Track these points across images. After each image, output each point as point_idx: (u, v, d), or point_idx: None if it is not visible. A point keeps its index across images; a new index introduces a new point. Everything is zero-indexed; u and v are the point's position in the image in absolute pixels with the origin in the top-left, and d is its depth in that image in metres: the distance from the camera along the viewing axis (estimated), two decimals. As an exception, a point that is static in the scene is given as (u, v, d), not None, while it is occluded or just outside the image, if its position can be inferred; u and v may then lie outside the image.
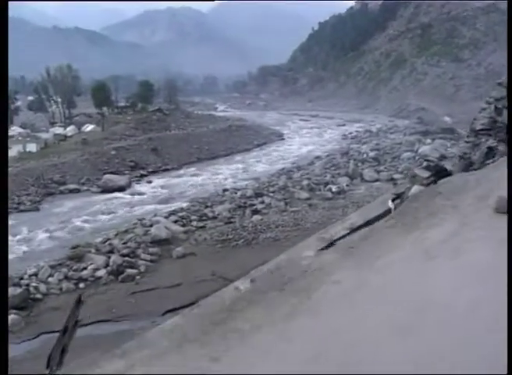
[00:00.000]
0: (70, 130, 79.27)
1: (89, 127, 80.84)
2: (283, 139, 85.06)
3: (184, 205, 40.70)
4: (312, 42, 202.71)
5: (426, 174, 12.48)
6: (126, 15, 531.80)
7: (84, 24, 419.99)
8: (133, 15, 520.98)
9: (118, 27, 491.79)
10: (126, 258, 28.50)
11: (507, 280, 5.49)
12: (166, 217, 36.02)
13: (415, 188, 12.26)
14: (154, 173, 60.38)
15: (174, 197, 46.83)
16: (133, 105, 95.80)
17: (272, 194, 41.31)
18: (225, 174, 57.12)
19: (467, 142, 14.75)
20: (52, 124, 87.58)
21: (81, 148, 64.95)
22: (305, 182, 44.70)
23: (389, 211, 10.95)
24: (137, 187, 53.32)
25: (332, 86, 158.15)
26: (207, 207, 38.73)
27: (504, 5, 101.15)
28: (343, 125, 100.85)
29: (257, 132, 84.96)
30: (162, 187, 52.80)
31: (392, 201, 13.04)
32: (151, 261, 28.97)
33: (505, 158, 11.04)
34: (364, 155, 57.62)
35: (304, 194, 40.97)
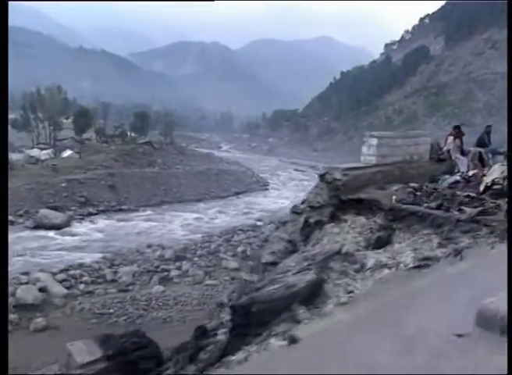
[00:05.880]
0: (45, 153, 74.43)
1: (67, 153, 76.02)
2: (266, 189, 79.13)
3: (92, 258, 35.02)
4: (331, 91, 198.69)
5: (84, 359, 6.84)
6: (156, 43, 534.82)
7: (112, 48, 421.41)
8: (164, 44, 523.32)
9: (146, 55, 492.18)
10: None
11: (507, 280, 4.91)
12: (55, 274, 30.30)
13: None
14: (104, 212, 54.89)
15: (101, 245, 41.20)
16: (122, 134, 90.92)
17: (196, 259, 35.40)
18: (177, 224, 51.44)
19: (232, 279, 9.09)
20: (37, 144, 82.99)
21: (49, 175, 60.27)
22: (242, 248, 38.76)
23: None
24: (75, 227, 47.86)
25: (340, 138, 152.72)
26: (112, 266, 32.92)
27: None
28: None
29: (239, 179, 78.89)
30: (101, 230, 47.25)
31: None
32: (-1, 333, 23.17)
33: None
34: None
35: (233, 264, 34.90)
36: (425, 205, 10.79)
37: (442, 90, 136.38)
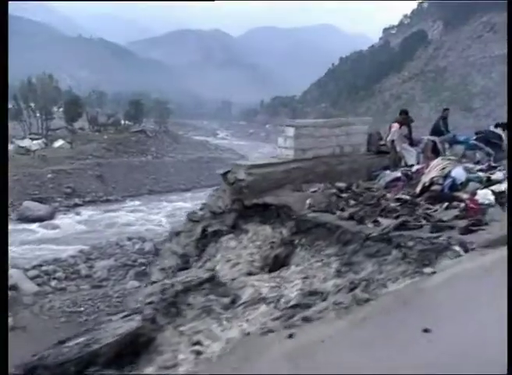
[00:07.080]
0: (36, 143, 73.09)
1: (58, 143, 74.85)
2: (259, 177, 77.85)
3: (70, 252, 33.92)
4: (330, 77, 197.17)
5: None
6: (155, 32, 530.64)
7: (110, 37, 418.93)
8: (163, 33, 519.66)
9: (145, 43, 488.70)
10: None
11: (507, 280, 4.83)
12: (27, 270, 29.22)
13: None
14: (91, 202, 53.83)
15: (81, 237, 40.14)
16: (115, 123, 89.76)
17: (176, 252, 34.32)
18: (162, 214, 50.50)
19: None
20: (29, 135, 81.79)
21: (37, 165, 59.28)
22: (225, 239, 37.70)
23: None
24: (59, 219, 46.80)
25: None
26: (89, 260, 31.80)
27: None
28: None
29: (230, 166, 77.51)
30: (84, 222, 46.25)
31: None
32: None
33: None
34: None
35: (214, 256, 33.93)
36: (338, 213, 8.96)
37: (440, 74, 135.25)
